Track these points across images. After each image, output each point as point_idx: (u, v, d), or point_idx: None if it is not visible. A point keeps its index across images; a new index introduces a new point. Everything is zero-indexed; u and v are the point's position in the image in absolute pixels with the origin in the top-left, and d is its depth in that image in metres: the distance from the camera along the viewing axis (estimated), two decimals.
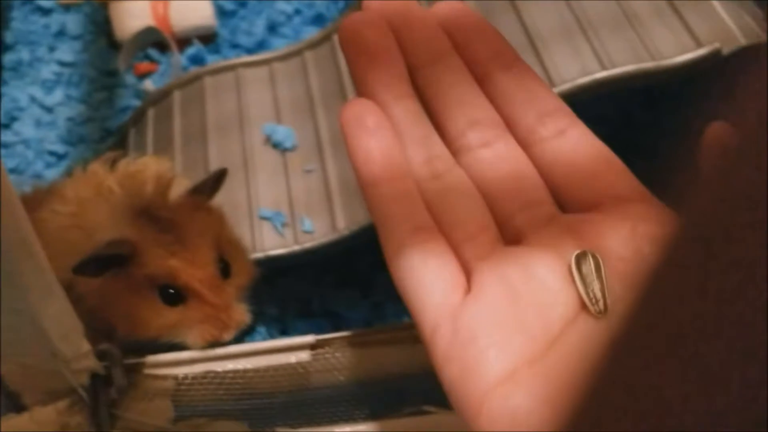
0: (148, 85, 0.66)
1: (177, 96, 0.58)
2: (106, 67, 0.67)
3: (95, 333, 0.34)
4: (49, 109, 0.65)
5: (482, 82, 0.31)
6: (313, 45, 0.59)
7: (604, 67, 0.42)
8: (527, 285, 0.26)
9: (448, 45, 0.31)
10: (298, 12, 0.71)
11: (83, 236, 0.36)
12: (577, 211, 0.28)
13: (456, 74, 0.30)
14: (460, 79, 0.30)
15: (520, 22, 0.46)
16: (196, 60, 0.68)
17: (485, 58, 0.31)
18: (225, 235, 0.40)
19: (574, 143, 0.29)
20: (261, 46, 0.69)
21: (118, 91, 0.66)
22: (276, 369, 0.35)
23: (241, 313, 0.38)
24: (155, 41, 0.68)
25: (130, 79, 0.67)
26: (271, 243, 0.49)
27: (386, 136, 0.30)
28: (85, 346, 0.32)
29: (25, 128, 0.64)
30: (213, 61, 0.68)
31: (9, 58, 0.68)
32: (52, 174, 0.61)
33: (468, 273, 0.27)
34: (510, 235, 0.28)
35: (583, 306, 0.25)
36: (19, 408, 0.34)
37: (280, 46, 0.68)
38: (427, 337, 0.27)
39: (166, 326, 0.36)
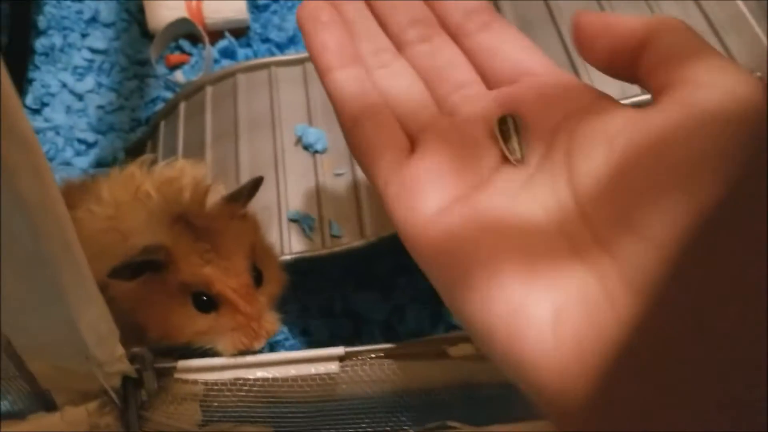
0: (179, 76, 0.67)
1: (209, 91, 0.58)
2: (138, 56, 0.68)
3: (126, 334, 0.34)
4: (79, 96, 0.65)
5: None
6: None
7: (644, 91, 0.41)
8: (460, 143, 0.32)
9: None
10: None
11: (119, 239, 0.36)
12: (500, 86, 0.34)
13: None
14: None
15: (561, 39, 0.46)
16: (227, 53, 0.68)
17: None
18: (259, 243, 0.40)
19: (497, 34, 0.34)
20: (292, 41, 0.69)
21: (149, 81, 0.66)
22: (304, 379, 0.35)
23: (272, 323, 0.38)
24: (188, 33, 0.68)
25: (161, 69, 0.67)
26: (298, 245, 0.49)
27: (338, 29, 0.35)
28: (119, 350, 0.33)
29: (56, 114, 0.64)
30: (244, 55, 0.68)
31: (41, 42, 0.68)
32: (81, 162, 0.61)
33: (412, 141, 0.33)
34: (447, 110, 0.34)
35: (505, 158, 0.31)
36: (49, 407, 0.34)
37: None
38: (380, 190, 0.32)
39: (197, 332, 0.37)
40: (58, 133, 0.63)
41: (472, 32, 0.35)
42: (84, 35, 0.69)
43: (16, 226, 0.24)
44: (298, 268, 0.49)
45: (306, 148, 0.54)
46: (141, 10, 0.69)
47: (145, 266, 0.35)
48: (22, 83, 0.65)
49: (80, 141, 0.62)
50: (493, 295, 0.26)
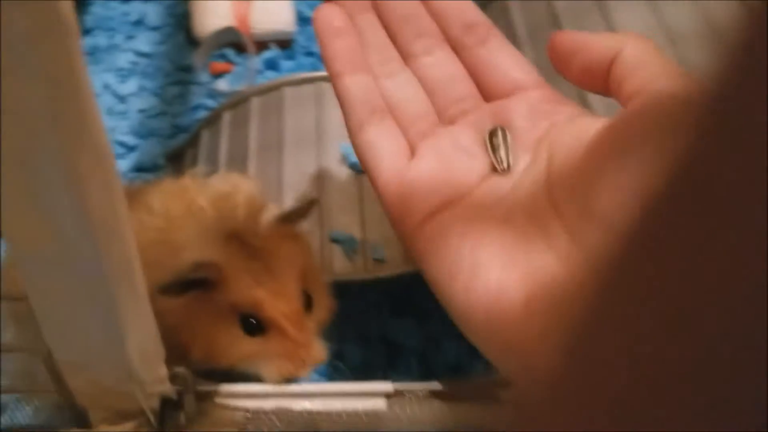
0: (222, 85, 0.66)
1: (255, 103, 0.57)
2: (182, 62, 0.67)
3: (167, 351, 0.33)
4: (122, 98, 0.65)
5: (425, 3, 0.39)
6: None
7: None
8: (454, 153, 0.35)
9: None
10: None
11: (169, 253, 0.35)
12: (495, 100, 0.37)
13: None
14: (407, 2, 0.39)
15: None
16: (271, 64, 0.67)
17: None
18: (309, 266, 0.38)
19: (493, 49, 0.37)
20: None
21: (192, 87, 0.66)
22: (349, 414, 0.34)
23: (320, 350, 0.36)
24: (233, 42, 0.67)
25: (204, 77, 0.66)
26: (340, 267, 0.48)
27: (350, 37, 0.38)
28: (163, 370, 0.31)
29: None
30: (287, 67, 0.67)
31: (86, 42, 0.67)
32: (120, 165, 0.60)
33: (412, 147, 0.36)
34: (446, 121, 0.37)
35: (494, 167, 0.34)
36: (83, 424, 0.33)
37: None
38: (380, 191, 0.36)
39: (243, 356, 0.35)
40: None
41: (471, 46, 0.38)
42: (129, 37, 0.68)
43: (80, 241, 0.23)
44: (337, 290, 0.47)
45: (351, 167, 0.53)
46: (187, 16, 0.68)
47: (196, 283, 0.34)
48: None
49: (120, 144, 0.61)
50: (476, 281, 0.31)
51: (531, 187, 0.33)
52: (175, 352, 0.34)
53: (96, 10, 0.70)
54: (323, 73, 0.58)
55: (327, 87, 0.57)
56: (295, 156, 0.53)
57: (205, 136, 0.58)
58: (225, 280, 0.34)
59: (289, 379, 0.35)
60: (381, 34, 0.39)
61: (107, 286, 0.25)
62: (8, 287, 0.26)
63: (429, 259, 0.33)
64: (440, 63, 0.38)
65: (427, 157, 0.35)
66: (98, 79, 0.65)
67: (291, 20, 0.67)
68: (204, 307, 0.35)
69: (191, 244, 0.35)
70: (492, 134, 0.35)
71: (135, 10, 0.70)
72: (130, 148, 0.61)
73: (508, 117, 0.35)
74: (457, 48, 0.38)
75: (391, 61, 0.39)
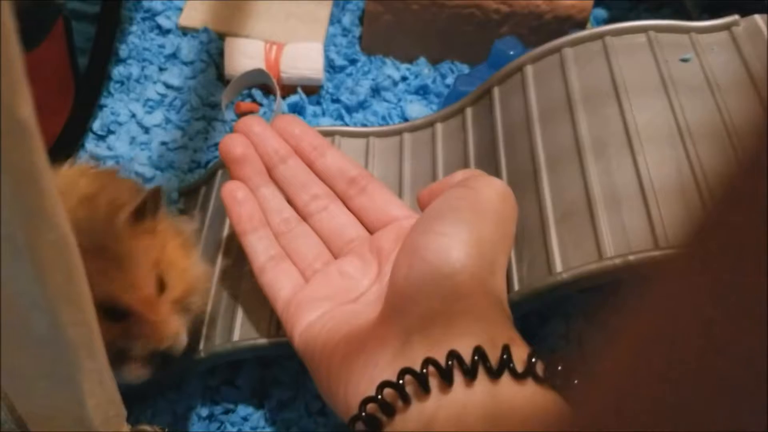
0: None
1: None
2: (210, 98, 0.68)
3: None
4: (146, 129, 0.66)
5: (311, 165, 0.50)
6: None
7: None
8: (339, 278, 0.45)
9: (288, 149, 0.50)
10: (404, 79, 0.71)
11: None
12: (376, 232, 0.47)
13: (296, 167, 0.50)
14: (298, 170, 0.50)
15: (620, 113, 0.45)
16: (297, 109, 0.68)
17: (309, 151, 0.50)
18: (165, 254, 0.44)
19: (370, 195, 0.48)
20: (361, 106, 0.69)
21: (216, 124, 0.67)
22: None
23: (175, 325, 0.43)
24: (261, 83, 0.69)
25: (229, 115, 0.68)
26: None
27: (250, 204, 0.48)
28: (124, 428, 0.32)
29: (119, 144, 0.65)
30: (312, 112, 0.68)
31: (119, 70, 0.69)
32: None
33: (308, 281, 0.46)
34: (338, 257, 0.47)
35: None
36: None
37: (380, 110, 0.68)
38: (279, 313, 0.45)
39: (114, 338, 0.40)
40: (117, 163, 0.64)
41: (354, 196, 0.48)
42: (162, 69, 0.70)
43: (38, 315, 0.23)
44: None
45: None
46: (221, 54, 0.70)
47: None
48: (93, 108, 0.66)
49: (137, 174, 0.63)
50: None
51: (381, 289, 0.43)
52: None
53: (133, 41, 0.71)
54: (340, 128, 0.59)
55: (343, 141, 0.58)
56: None
57: (221, 176, 0.59)
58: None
59: (156, 353, 0.42)
60: (280, 200, 0.49)
61: (66, 355, 0.25)
62: None
63: (308, 364, 0.42)
64: (333, 216, 0.48)
65: (316, 283, 0.45)
66: (126, 107, 0.67)
67: (320, 68, 0.68)
68: None
69: None
70: None
71: (171, 42, 0.71)
72: (147, 180, 0.63)
73: (380, 243, 0.45)
74: (344, 198, 0.49)
75: (290, 219, 0.48)
